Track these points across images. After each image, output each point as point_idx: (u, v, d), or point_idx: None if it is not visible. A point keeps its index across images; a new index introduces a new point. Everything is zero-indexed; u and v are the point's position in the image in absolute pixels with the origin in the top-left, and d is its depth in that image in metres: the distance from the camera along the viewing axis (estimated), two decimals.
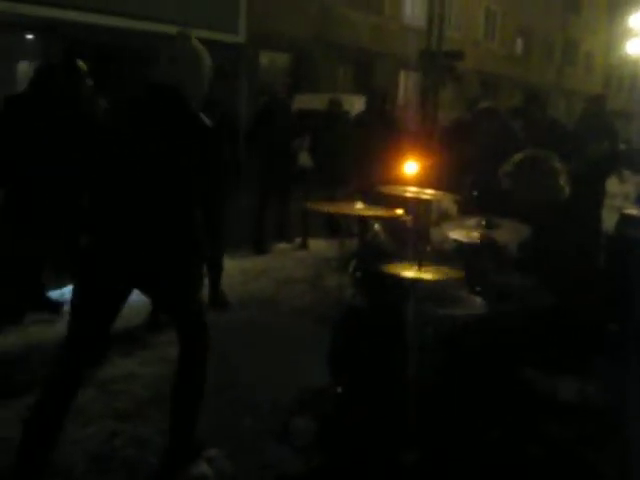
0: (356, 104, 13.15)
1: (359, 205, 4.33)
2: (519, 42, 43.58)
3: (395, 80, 31.29)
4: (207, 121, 3.69)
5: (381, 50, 29.00)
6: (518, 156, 4.61)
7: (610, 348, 4.79)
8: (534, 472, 3.75)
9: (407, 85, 32.40)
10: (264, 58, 25.37)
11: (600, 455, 4.11)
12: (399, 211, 4.33)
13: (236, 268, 8.54)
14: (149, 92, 3.75)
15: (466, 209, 5.42)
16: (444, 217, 8.15)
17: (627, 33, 41.61)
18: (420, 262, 3.72)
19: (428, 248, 4.12)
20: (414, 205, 4.64)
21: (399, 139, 8.62)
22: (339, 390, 4.18)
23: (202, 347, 3.99)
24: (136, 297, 6.52)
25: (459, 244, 4.81)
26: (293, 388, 4.81)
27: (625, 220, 6.90)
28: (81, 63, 6.02)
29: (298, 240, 10.11)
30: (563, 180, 4.40)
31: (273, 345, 5.90)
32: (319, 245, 9.87)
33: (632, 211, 7.00)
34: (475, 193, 5.26)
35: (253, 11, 23.56)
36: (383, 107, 9.38)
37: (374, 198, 4.62)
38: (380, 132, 8.58)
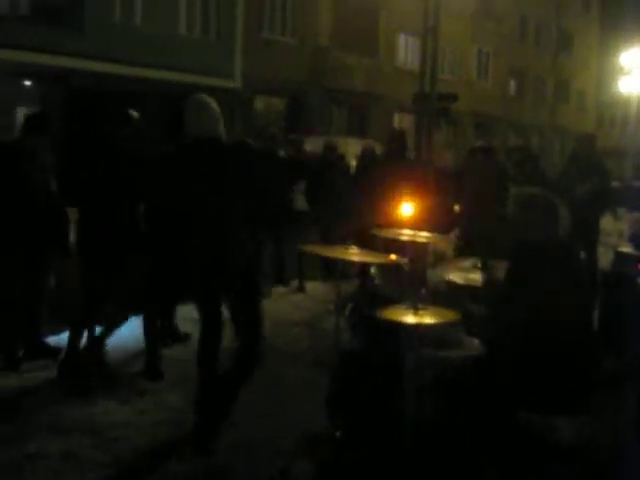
0: (351, 147, 13.23)
1: (353, 249, 4.35)
2: (512, 82, 44.00)
3: (390, 122, 31.55)
4: None
5: (376, 93, 29.29)
6: (524, 193, 4.64)
7: (607, 386, 4.80)
8: None
9: (402, 127, 32.65)
10: (259, 102, 25.63)
11: None
12: (393, 256, 4.36)
13: None
14: (204, 143, 4.81)
15: (460, 252, 5.46)
16: (440, 259, 8.19)
17: (618, 71, 42.00)
18: (417, 306, 3.74)
19: (424, 291, 4.14)
20: (410, 248, 4.67)
21: (419, 181, 8.55)
22: (337, 434, 4.18)
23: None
24: (134, 344, 6.59)
25: (456, 286, 4.84)
26: (291, 432, 4.81)
27: (620, 258, 6.96)
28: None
29: (295, 283, 10.12)
30: (564, 220, 4.43)
31: (270, 389, 5.89)
32: (316, 288, 9.89)
33: (626, 249, 7.07)
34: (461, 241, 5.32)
35: (249, 56, 23.84)
36: (403, 149, 9.16)
37: (370, 241, 4.65)
38: (401, 174, 8.41)
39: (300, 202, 10.72)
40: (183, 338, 7.07)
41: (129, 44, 19.59)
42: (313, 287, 9.94)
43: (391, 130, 11.87)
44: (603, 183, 9.58)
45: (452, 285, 4.96)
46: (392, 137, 9.10)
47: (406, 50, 32.67)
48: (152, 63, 19.84)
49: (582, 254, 9.37)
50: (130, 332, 7.30)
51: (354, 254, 4.32)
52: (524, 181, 7.52)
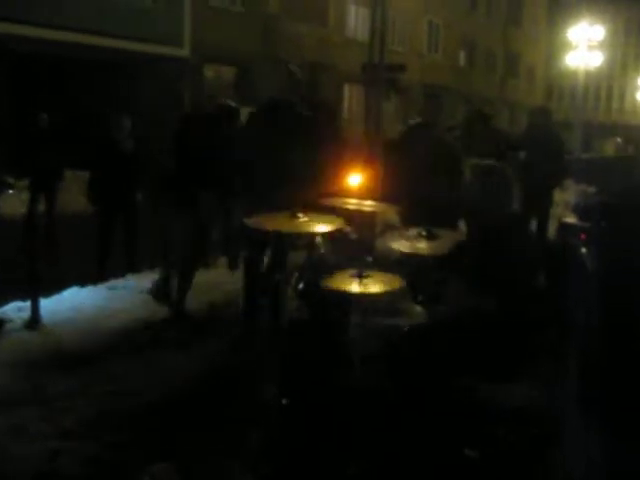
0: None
1: (302, 218, 4.32)
2: (462, 54, 44.14)
3: (340, 93, 31.46)
4: None
5: (326, 62, 29.13)
6: (477, 165, 4.68)
7: (551, 353, 4.88)
8: (476, 475, 3.80)
9: (352, 98, 32.61)
10: (209, 71, 25.36)
11: (542, 458, 4.19)
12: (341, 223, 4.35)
13: None
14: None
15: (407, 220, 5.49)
16: (388, 228, 8.21)
17: (566, 46, 42.42)
18: (361, 274, 3.76)
19: (369, 259, 4.15)
20: (357, 217, 4.68)
21: (345, 152, 8.65)
22: (285, 402, 4.19)
23: None
24: (79, 315, 6.54)
25: (402, 254, 4.86)
26: (240, 399, 4.82)
27: (564, 228, 7.05)
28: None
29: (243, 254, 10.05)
30: (515, 190, 4.49)
31: (221, 357, 5.91)
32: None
33: (570, 219, 7.16)
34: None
35: (198, 25, 23.54)
36: (332, 121, 9.33)
37: (316, 211, 4.64)
38: (327, 145, 8.55)
39: None
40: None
41: (75, 11, 19.17)
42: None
43: (316, 100, 11.84)
44: (561, 157, 9.74)
45: (398, 253, 4.98)
46: (317, 107, 9.20)
47: (356, 20, 32.53)
48: (99, 30, 19.46)
49: (534, 225, 9.56)
50: (74, 304, 7.26)
51: (302, 223, 4.29)
52: (472, 143, 7.55)
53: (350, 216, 4.64)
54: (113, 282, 8.26)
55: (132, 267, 8.86)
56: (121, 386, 5.31)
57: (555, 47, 54.29)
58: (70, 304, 7.25)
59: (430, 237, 4.20)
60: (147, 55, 21.17)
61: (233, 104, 8.68)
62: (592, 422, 4.64)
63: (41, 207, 11.50)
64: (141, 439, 4.52)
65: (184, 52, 23.18)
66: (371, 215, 5.05)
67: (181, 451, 4.38)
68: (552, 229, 9.18)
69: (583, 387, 5.01)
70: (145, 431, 4.64)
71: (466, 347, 3.98)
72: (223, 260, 9.67)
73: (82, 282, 7.96)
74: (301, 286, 4.54)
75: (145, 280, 8.35)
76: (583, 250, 6.20)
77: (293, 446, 4.03)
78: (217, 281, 8.60)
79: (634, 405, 4.66)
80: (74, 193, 13.17)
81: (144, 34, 20.91)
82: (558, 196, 16.37)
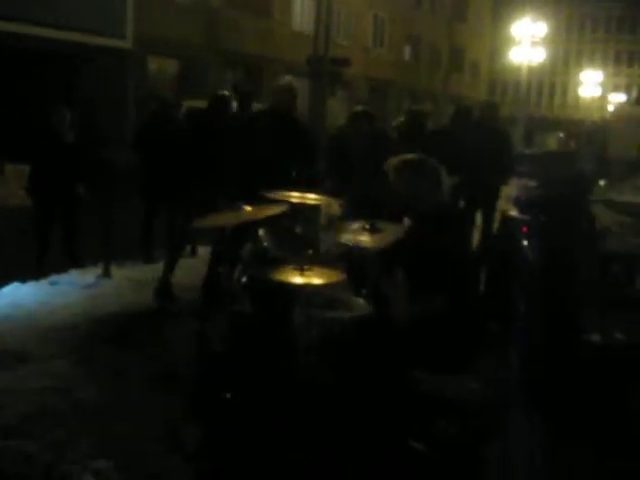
0: None
1: (246, 210, 4.32)
2: (407, 49, 44.42)
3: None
4: None
5: (270, 56, 29.06)
6: (398, 158, 4.67)
7: (493, 346, 4.94)
8: (418, 467, 3.83)
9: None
10: (152, 64, 25.09)
11: (484, 449, 4.23)
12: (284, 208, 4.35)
13: (126, 277, 8.42)
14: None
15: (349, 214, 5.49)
16: (333, 221, 8.20)
17: (510, 41, 42.96)
18: (303, 267, 3.75)
19: (310, 252, 4.14)
20: (301, 210, 4.67)
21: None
22: (227, 395, 4.17)
23: None
24: (18, 312, 6.43)
25: (346, 247, 4.86)
26: (182, 395, 4.78)
27: (506, 221, 7.14)
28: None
29: (188, 248, 10.01)
30: (443, 180, 4.47)
31: (161, 353, 5.85)
32: (209, 251, 9.78)
33: (512, 212, 7.24)
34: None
35: (140, 16, 23.26)
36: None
37: (259, 204, 4.62)
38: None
39: None
40: None
41: (16, 1, 18.81)
42: (206, 251, 9.82)
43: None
44: (508, 153, 9.81)
45: (342, 247, 4.98)
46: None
47: (302, 13, 32.50)
48: (40, 21, 19.10)
49: (479, 220, 9.65)
50: (14, 300, 7.13)
51: (246, 214, 4.29)
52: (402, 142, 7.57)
53: (294, 209, 4.63)
54: (55, 277, 8.12)
55: (74, 262, 8.72)
56: (60, 383, 5.22)
57: (499, 42, 54.98)
58: (10, 300, 7.11)
59: (373, 230, 4.20)
60: (89, 46, 20.86)
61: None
62: (532, 414, 4.71)
63: None
64: (81, 436, 4.45)
65: (126, 44, 22.88)
66: (315, 208, 5.03)
67: (120, 448, 4.33)
68: (495, 222, 9.29)
69: (524, 379, 5.09)
70: (85, 428, 4.57)
71: (408, 340, 4.00)
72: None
73: (23, 278, 7.80)
74: (244, 279, 4.52)
75: (88, 275, 8.24)
76: (524, 242, 6.29)
77: (233, 441, 4.01)
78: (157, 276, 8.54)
79: (572, 396, 4.74)
80: (13, 187, 12.91)
81: (85, 25, 20.59)
82: (501, 190, 16.60)
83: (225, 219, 4.50)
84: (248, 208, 4.36)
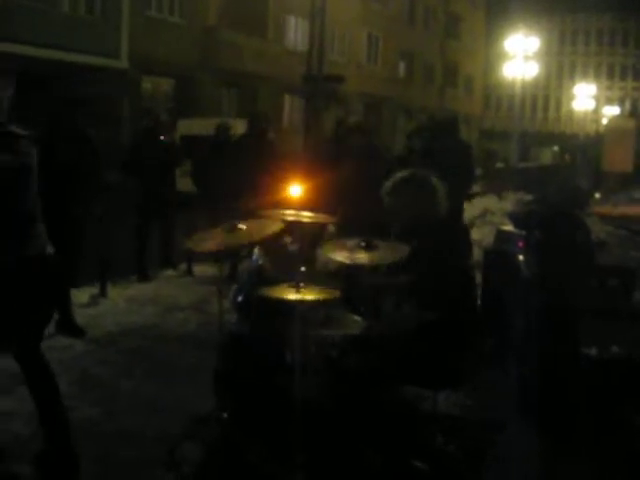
0: (239, 128, 13.20)
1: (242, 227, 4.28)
2: (401, 65, 44.61)
3: (280, 104, 31.51)
4: None
5: (265, 74, 29.15)
6: (397, 175, 4.66)
7: (487, 362, 4.93)
8: None
9: (292, 109, 32.68)
10: (147, 83, 25.15)
11: (482, 465, 4.22)
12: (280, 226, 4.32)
13: (121, 296, 8.41)
14: None
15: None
16: (329, 239, 8.21)
17: (503, 56, 43.12)
18: (298, 285, 3.74)
19: (303, 269, 4.12)
20: (296, 228, 4.67)
21: (278, 163, 8.78)
22: (224, 415, 4.15)
23: None
24: None
25: (342, 265, 4.85)
26: (178, 415, 4.75)
27: (501, 236, 7.13)
28: None
29: (183, 266, 10.01)
30: (441, 197, 4.46)
31: (157, 373, 5.83)
32: (205, 270, 9.77)
33: (507, 227, 7.24)
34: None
35: (136, 36, 23.34)
36: (264, 131, 9.46)
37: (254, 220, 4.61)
38: (259, 156, 8.69)
39: (183, 184, 10.62)
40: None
41: (10, 21, 18.86)
42: (202, 270, 9.83)
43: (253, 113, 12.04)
44: (466, 164, 9.44)
45: (338, 264, 4.97)
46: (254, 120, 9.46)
47: (296, 32, 32.65)
48: (35, 42, 19.17)
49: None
50: None
51: (241, 235, 4.26)
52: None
53: (289, 228, 4.62)
54: None
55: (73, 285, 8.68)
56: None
57: (492, 57, 55.25)
58: None
59: (369, 248, 4.19)
60: (84, 67, 20.90)
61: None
62: (530, 428, 4.70)
63: None
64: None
65: (122, 64, 22.96)
66: (309, 226, 5.02)
67: (115, 468, 4.31)
68: (490, 237, 9.27)
69: (521, 393, 5.08)
70: (79, 448, 4.53)
71: (406, 357, 3.98)
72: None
73: None
74: (240, 298, 4.51)
75: (84, 294, 8.21)
76: (520, 257, 6.28)
77: (232, 459, 3.99)
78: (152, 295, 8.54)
79: (570, 410, 4.73)
80: None
81: (79, 45, 20.65)
82: (496, 205, 16.66)
83: (220, 240, 4.41)
84: (243, 226, 4.30)
